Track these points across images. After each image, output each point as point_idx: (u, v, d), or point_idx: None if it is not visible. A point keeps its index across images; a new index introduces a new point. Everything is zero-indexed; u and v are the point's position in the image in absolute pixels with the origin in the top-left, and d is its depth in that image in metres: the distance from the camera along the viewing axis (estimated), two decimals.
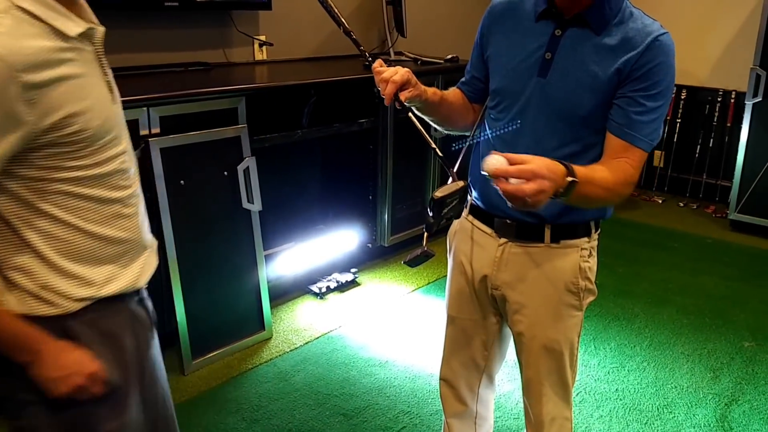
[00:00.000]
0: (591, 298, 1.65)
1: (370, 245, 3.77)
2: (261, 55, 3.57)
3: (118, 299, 1.26)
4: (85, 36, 1.16)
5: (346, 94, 3.52)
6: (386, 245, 3.77)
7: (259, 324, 2.98)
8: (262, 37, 3.54)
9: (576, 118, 1.48)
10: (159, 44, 3.17)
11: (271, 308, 3.04)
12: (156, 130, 2.59)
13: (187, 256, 2.68)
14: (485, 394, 1.86)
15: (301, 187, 3.74)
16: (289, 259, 3.38)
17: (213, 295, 2.80)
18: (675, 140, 5.17)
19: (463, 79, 1.74)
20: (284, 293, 3.38)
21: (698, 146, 5.12)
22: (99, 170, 1.19)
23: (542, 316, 1.62)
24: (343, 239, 3.64)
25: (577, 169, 1.34)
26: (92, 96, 1.16)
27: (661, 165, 5.29)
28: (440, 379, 1.86)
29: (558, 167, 1.28)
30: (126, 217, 1.25)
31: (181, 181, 2.64)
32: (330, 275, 3.50)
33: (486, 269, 1.65)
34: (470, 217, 1.69)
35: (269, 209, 3.08)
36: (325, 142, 3.64)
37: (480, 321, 1.74)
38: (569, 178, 1.30)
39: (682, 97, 5.08)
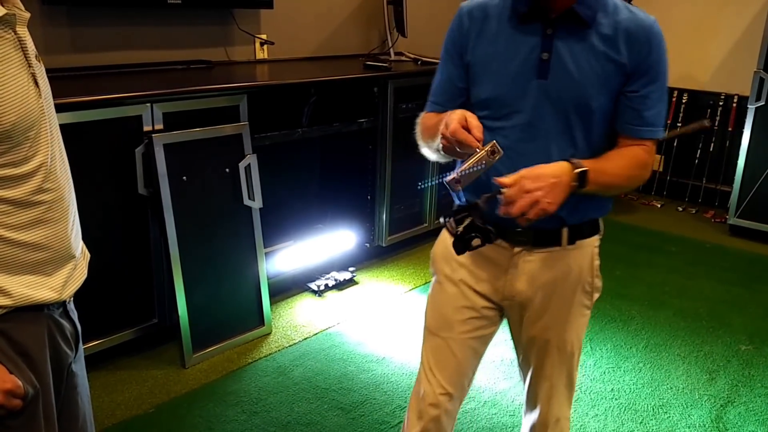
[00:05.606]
0: (597, 296, 1.66)
1: (368, 245, 3.79)
2: (262, 53, 3.60)
3: (37, 309, 1.18)
4: (4, 22, 1.06)
5: (346, 93, 3.54)
6: (384, 245, 3.79)
7: (259, 319, 3.00)
8: (264, 36, 3.57)
9: (587, 114, 1.46)
10: (162, 42, 3.20)
11: (271, 304, 3.07)
12: (159, 126, 2.62)
13: (188, 251, 2.70)
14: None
15: (300, 185, 3.76)
16: (289, 257, 3.40)
17: (214, 290, 2.83)
18: (675, 144, 5.19)
19: (434, 100, 1.63)
20: (283, 290, 3.41)
21: (698, 150, 5.13)
22: (15, 170, 1.09)
23: (558, 319, 1.61)
24: (341, 238, 3.66)
25: (587, 161, 1.40)
26: (7, 88, 1.05)
27: (661, 169, 5.30)
28: (430, 420, 1.67)
29: (558, 166, 1.34)
30: (48, 223, 1.16)
31: (184, 177, 2.67)
32: (328, 273, 3.52)
33: (496, 281, 1.60)
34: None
35: (269, 207, 3.10)
36: (325, 141, 3.67)
37: (482, 340, 1.68)
38: (578, 170, 1.36)
39: (684, 101, 5.08)
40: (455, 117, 1.37)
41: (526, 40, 1.47)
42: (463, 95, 1.58)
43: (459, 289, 1.63)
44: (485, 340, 1.69)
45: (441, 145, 1.41)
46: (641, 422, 2.54)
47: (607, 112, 1.48)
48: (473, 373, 1.72)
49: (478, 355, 1.69)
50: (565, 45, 1.45)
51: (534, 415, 1.72)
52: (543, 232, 1.54)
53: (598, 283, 1.64)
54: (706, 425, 2.53)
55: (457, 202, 1.62)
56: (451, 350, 1.65)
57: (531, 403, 1.73)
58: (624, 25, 1.44)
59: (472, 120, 1.37)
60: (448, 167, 1.60)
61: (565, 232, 1.55)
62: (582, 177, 1.38)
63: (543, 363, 1.65)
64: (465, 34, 1.54)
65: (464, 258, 1.60)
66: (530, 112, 1.48)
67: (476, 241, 1.42)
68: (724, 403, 2.67)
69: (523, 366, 1.72)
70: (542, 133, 1.48)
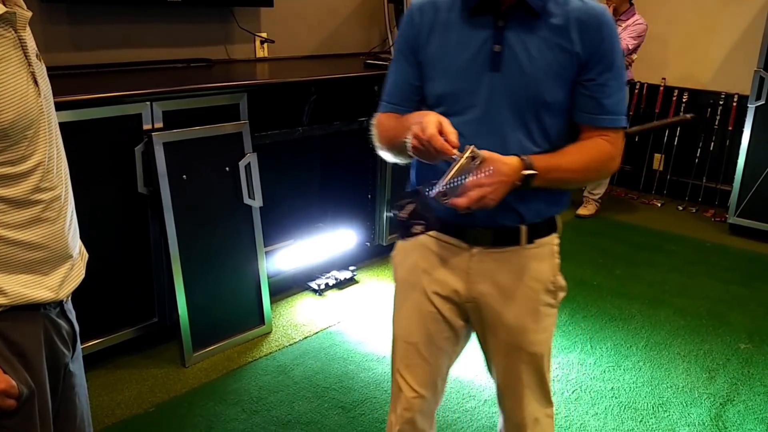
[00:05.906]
0: (563, 294, 1.63)
1: (368, 244, 3.79)
2: (262, 52, 3.60)
3: (34, 308, 1.17)
4: (5, 20, 1.06)
5: (346, 91, 3.54)
6: (384, 244, 3.79)
7: (259, 318, 3.00)
8: (264, 34, 3.57)
9: (542, 106, 1.45)
10: (162, 40, 3.20)
11: (271, 303, 3.07)
12: (159, 124, 2.62)
13: (188, 250, 2.70)
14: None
15: (300, 184, 3.76)
16: (289, 256, 3.40)
17: (214, 288, 2.82)
18: (675, 143, 5.19)
19: (389, 100, 1.60)
20: (284, 289, 3.41)
21: (699, 150, 5.13)
22: (13, 169, 1.09)
23: (524, 321, 1.58)
24: (341, 237, 3.66)
25: (540, 158, 1.39)
26: (5, 87, 1.06)
27: (661, 168, 5.31)
28: (405, 422, 1.67)
29: (512, 163, 1.35)
30: (46, 222, 1.16)
31: (184, 176, 2.67)
32: (329, 272, 3.53)
33: (456, 283, 1.58)
34: (432, 233, 1.56)
35: (269, 206, 3.10)
36: (325, 139, 3.67)
37: (451, 341, 1.66)
38: (527, 172, 1.36)
39: (684, 100, 5.09)
40: (431, 121, 1.34)
41: (477, 33, 1.45)
42: (419, 94, 1.56)
43: (421, 295, 1.62)
44: (454, 341, 1.67)
45: (411, 147, 1.38)
46: (641, 421, 2.54)
47: (562, 104, 1.46)
48: (447, 372, 1.71)
49: (449, 355, 1.67)
50: (517, 36, 1.43)
51: (509, 418, 1.69)
52: (502, 231, 1.52)
53: (562, 281, 1.61)
54: (706, 423, 2.53)
55: (408, 189, 1.59)
56: (421, 354, 1.64)
57: (503, 405, 1.69)
58: (575, 14, 1.42)
59: (447, 126, 1.35)
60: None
61: (524, 230, 1.53)
62: (527, 179, 1.37)
63: (511, 365, 1.61)
64: (417, 31, 1.52)
65: (424, 262, 1.60)
66: (484, 106, 1.45)
67: (418, 228, 1.40)
68: (724, 402, 2.67)
69: (492, 368, 1.69)
70: (498, 126, 1.45)
